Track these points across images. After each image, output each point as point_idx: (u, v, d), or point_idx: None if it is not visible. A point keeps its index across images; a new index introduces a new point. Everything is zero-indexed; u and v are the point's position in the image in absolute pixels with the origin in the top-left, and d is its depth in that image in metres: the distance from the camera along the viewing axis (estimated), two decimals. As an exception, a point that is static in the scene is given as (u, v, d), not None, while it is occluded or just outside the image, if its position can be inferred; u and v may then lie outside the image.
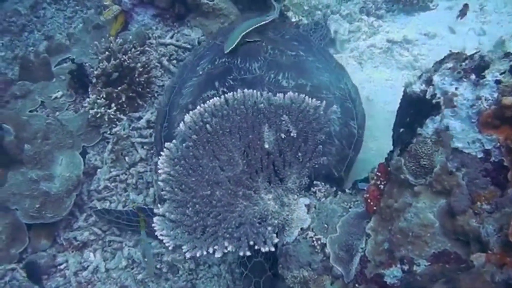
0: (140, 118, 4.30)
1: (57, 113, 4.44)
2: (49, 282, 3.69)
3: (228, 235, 2.34)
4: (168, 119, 3.64)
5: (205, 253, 2.25)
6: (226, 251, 2.29)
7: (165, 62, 4.68)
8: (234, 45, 3.53)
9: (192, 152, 2.56)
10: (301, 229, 2.66)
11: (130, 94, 4.28)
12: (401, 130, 2.34)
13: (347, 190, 2.85)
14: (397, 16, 4.69)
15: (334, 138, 3.26)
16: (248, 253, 2.31)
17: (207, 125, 2.61)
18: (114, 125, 4.22)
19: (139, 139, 4.17)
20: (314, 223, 2.66)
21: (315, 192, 2.84)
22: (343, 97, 3.48)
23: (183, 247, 2.29)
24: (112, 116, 4.17)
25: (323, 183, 2.86)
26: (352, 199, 2.72)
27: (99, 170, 4.07)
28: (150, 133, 4.21)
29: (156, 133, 3.70)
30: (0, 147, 3.67)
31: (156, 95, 4.49)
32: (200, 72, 3.66)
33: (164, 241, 2.33)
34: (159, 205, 2.47)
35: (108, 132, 4.22)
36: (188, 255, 2.27)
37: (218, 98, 2.68)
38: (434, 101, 2.11)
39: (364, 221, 2.48)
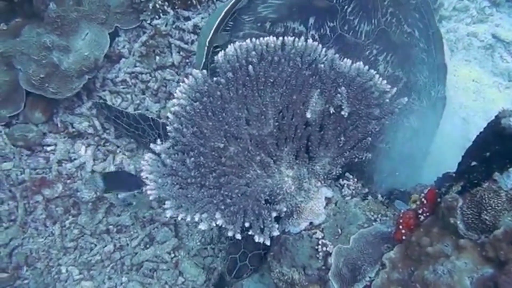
0: (188, 19, 3.91)
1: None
2: (29, 160, 3.51)
3: (223, 206, 2.04)
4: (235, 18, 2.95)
5: (189, 218, 1.97)
6: (213, 224, 2.00)
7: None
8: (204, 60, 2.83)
9: (221, 91, 2.22)
10: (311, 223, 2.37)
11: (187, -12, 3.89)
12: (473, 163, 1.96)
13: (379, 197, 2.51)
14: (516, 10, 4.11)
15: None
16: (239, 236, 2.02)
17: (250, 66, 2.25)
18: (157, 16, 3.86)
19: (178, 42, 3.82)
20: (327, 223, 2.36)
21: (342, 186, 2.51)
22: (426, 108, 2.96)
23: (166, 202, 2.01)
24: (158, 6, 3.80)
25: (355, 179, 2.52)
26: (381, 210, 2.39)
27: (123, 59, 3.77)
28: (193, 39, 3.84)
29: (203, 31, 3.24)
30: (29, -6, 3.39)
31: (215, -1, 4.10)
32: None
33: (147, 187, 2.04)
34: (158, 140, 2.16)
35: (148, 22, 3.87)
36: (168, 213, 1.99)
37: (274, 38, 2.29)
38: (531, 149, 1.72)
39: (385, 245, 2.17)
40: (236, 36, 2.82)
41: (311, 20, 2.76)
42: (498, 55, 3.75)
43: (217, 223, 2.01)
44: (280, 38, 2.31)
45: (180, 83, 2.21)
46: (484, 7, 4.06)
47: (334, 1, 2.80)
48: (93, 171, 3.52)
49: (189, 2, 3.93)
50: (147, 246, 3.46)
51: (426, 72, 2.98)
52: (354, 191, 2.50)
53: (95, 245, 3.46)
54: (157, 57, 3.77)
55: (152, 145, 2.15)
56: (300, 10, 2.79)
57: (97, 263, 3.43)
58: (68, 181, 3.50)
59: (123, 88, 3.74)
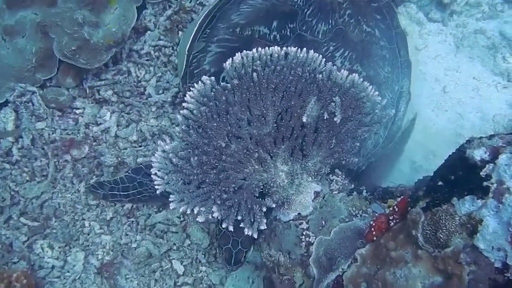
0: (210, -4, 4.06)
1: None
2: (60, 121, 3.79)
3: (220, 201, 2.31)
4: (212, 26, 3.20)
5: (189, 211, 2.25)
6: (210, 217, 2.28)
7: None
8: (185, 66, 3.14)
9: (226, 96, 2.44)
10: (299, 214, 2.63)
11: (211, -34, 4.00)
12: (440, 183, 2.17)
13: (364, 193, 2.74)
14: (529, 7, 4.10)
15: None
16: (231, 228, 2.29)
17: (254, 74, 2.45)
18: (182, -8, 4.01)
19: (200, 18, 3.98)
20: (313, 215, 2.62)
21: (331, 181, 2.74)
22: (389, 101, 3.16)
23: (171, 196, 2.28)
24: (183, -18, 3.94)
25: (343, 176, 2.76)
26: (363, 207, 2.63)
27: (148, 32, 3.95)
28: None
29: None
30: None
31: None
32: None
33: (155, 182, 2.31)
34: (167, 139, 2.41)
35: (174, -3, 4.02)
36: (172, 206, 2.27)
37: (278, 48, 2.48)
38: (485, 183, 1.92)
39: (360, 241, 2.42)
40: (211, 41, 3.07)
41: (275, 23, 3.02)
42: (501, 56, 3.81)
43: (214, 215, 2.29)
44: (284, 48, 2.49)
45: (190, 88, 2.43)
46: (496, 3, 4.06)
47: (296, 6, 3.06)
48: (116, 136, 3.80)
49: (213, -20, 4.06)
50: (160, 209, 3.73)
51: (388, 68, 3.19)
52: (341, 186, 2.74)
53: (115, 204, 3.75)
54: (180, 32, 3.94)
55: (161, 143, 2.40)
56: (266, 15, 3.05)
57: (115, 220, 3.75)
58: (94, 143, 3.76)
59: (147, 60, 3.92)
